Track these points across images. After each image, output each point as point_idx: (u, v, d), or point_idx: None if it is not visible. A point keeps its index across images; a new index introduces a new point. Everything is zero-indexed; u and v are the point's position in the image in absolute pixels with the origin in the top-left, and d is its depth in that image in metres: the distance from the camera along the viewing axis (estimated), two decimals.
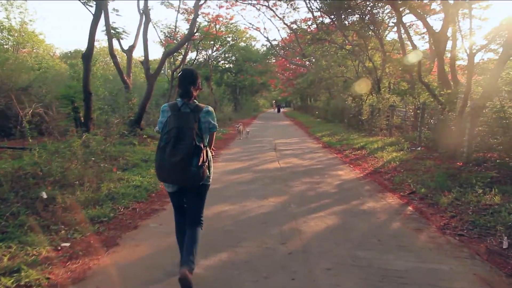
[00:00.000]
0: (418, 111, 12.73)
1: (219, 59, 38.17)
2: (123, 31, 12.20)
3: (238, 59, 36.57)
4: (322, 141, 13.81)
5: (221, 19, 30.73)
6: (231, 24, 35.21)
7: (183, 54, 17.41)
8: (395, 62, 13.25)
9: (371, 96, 17.16)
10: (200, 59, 36.00)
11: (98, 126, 9.65)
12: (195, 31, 12.28)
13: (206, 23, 31.57)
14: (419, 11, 10.49)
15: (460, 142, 8.60)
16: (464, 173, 6.88)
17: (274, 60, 38.63)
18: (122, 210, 4.70)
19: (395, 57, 13.86)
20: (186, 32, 17.78)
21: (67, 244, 3.51)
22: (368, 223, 4.47)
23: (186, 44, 16.97)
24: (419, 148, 10.21)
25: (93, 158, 6.47)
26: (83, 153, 6.31)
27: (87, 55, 8.47)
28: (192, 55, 24.89)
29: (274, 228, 4.21)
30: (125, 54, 13.98)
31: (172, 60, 20.75)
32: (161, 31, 21.07)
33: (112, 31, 11.89)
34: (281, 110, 55.59)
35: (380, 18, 15.98)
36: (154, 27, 20.36)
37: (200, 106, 2.83)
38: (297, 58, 30.45)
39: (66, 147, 6.16)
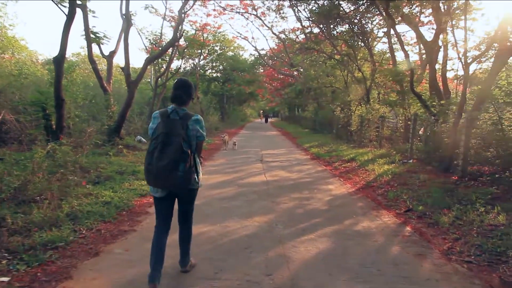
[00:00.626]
0: (409, 122, 12.44)
1: (207, 68, 37.77)
2: (104, 36, 11.58)
3: (225, 68, 36.21)
4: (310, 152, 13.38)
5: (208, 27, 30.43)
6: (219, 33, 34.98)
7: (167, 61, 16.78)
8: (386, 72, 12.96)
9: (360, 106, 16.89)
10: (187, 68, 35.61)
11: (73, 135, 8.99)
12: (178, 36, 11.78)
13: (193, 31, 31.32)
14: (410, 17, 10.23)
15: (454, 155, 8.26)
16: (461, 188, 6.50)
17: (262, 70, 38.42)
18: (84, 232, 4.09)
19: (384, 68, 13.57)
20: None
21: (6, 279, 2.89)
22: (364, 247, 3.97)
23: (172, 51, 16.47)
24: (411, 161, 9.84)
25: (61, 170, 5.83)
26: (49, 165, 5.67)
27: (59, 59, 7.84)
28: (178, 63, 24.31)
29: (258, 255, 3.66)
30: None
31: (157, 67, 20.17)
32: (146, 38, 20.53)
33: (91, 35, 11.29)
34: (269, 120, 55.28)
35: (369, 28, 15.79)
36: (139, 33, 19.82)
37: (190, 114, 2.90)
38: (285, 68, 30.22)
39: (28, 157, 5.51)
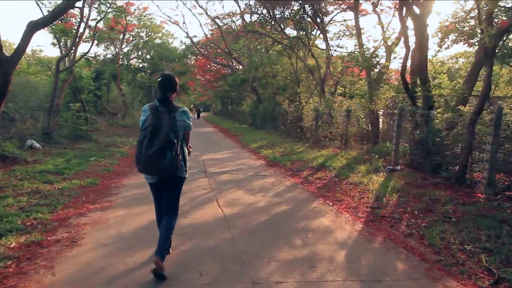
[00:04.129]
0: (381, 117, 10.42)
1: (132, 57, 33.04)
2: None
3: (153, 57, 31.89)
4: (262, 155, 10.71)
5: (133, 8, 26.05)
6: (144, 16, 30.59)
7: (73, 38, 12.56)
8: (355, 58, 10.72)
9: (312, 99, 14.68)
10: (108, 55, 30.57)
11: None
12: None
13: (113, 12, 26.58)
14: None
15: (469, 162, 6.23)
16: None
17: (194, 60, 34.79)
18: None
19: (351, 53, 11.32)
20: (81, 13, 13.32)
21: None
22: None
23: (80, 27, 12.52)
24: (398, 168, 7.69)
25: None
26: None
27: None
28: (97, 50, 19.87)
29: None
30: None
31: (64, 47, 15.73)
32: (48, 10, 15.79)
33: None
34: (201, 115, 51.56)
35: (324, 3, 13.42)
36: (37, 4, 15.08)
37: (176, 106, 3.08)
38: (221, 57, 27.15)
39: None
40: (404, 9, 7.83)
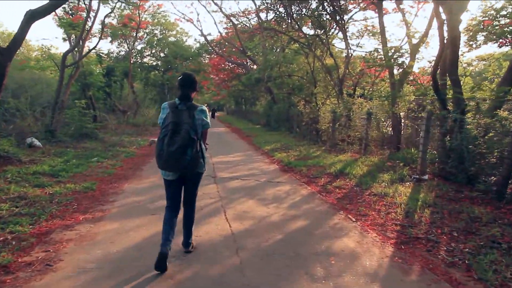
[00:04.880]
0: (406, 122, 9.68)
1: (146, 54, 32.79)
2: None
3: (167, 55, 31.55)
4: (275, 158, 10.09)
5: (146, 5, 25.74)
6: (159, 13, 30.28)
7: (80, 31, 12.03)
8: (373, 58, 9.97)
9: (329, 100, 13.98)
10: (121, 52, 30.36)
11: None
12: None
13: (127, 10, 26.30)
14: None
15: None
16: None
17: (208, 59, 34.33)
18: None
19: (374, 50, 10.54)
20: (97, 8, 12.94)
21: None
22: None
23: (88, 21, 12.09)
24: (425, 177, 6.98)
25: None
26: None
27: None
28: (110, 46, 19.58)
29: None
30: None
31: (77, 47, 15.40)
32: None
33: None
34: (215, 114, 51.06)
35: (344, 2, 12.68)
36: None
37: (195, 105, 3.17)
38: (235, 56, 26.58)
39: None
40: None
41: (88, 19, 13.43)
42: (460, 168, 6.47)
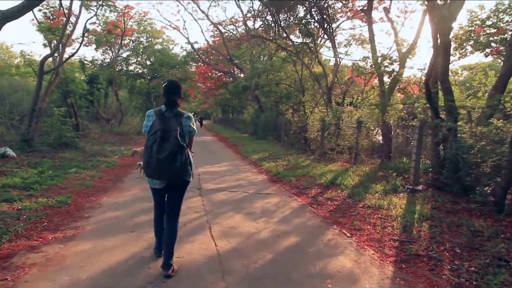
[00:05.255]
0: (397, 130, 9.50)
1: (131, 62, 32.26)
2: None
3: (153, 63, 31.07)
4: (264, 168, 9.75)
5: (132, 12, 25.33)
6: (145, 20, 29.88)
7: (59, 37, 11.45)
8: (360, 68, 9.78)
9: (317, 108, 13.77)
10: (106, 60, 29.74)
11: None
12: None
13: (113, 16, 25.82)
14: None
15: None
16: None
17: (195, 67, 33.97)
18: None
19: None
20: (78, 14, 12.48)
21: None
22: None
23: (68, 25, 11.62)
24: (419, 188, 6.75)
25: None
26: None
27: None
28: (95, 54, 19.02)
29: None
30: None
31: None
32: (39, 9, 14.93)
33: None
34: (203, 123, 50.53)
35: (332, 10, 12.60)
36: None
37: (182, 112, 3.15)
38: (222, 64, 26.32)
39: None
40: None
41: (70, 24, 12.98)
42: (455, 178, 6.25)
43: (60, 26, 11.65)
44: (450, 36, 7.42)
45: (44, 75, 10.83)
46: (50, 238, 3.83)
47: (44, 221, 4.35)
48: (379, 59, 9.45)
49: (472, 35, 10.61)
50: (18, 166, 7.29)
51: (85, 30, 13.86)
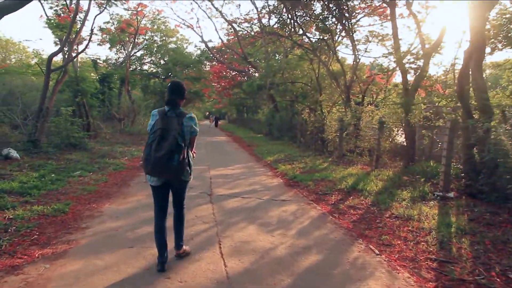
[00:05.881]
0: (423, 131, 8.83)
1: (145, 61, 32.19)
2: None
3: (167, 62, 30.90)
4: (279, 171, 9.25)
5: (145, 10, 25.14)
6: (158, 19, 29.72)
7: (67, 32, 11.05)
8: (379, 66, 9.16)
9: (335, 107, 13.17)
10: (120, 59, 29.70)
11: None
12: None
13: (127, 15, 25.74)
14: None
15: None
16: None
17: (209, 66, 33.65)
18: None
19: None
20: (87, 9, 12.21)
21: None
22: None
23: (76, 20, 11.32)
24: (451, 195, 6.13)
25: None
26: None
27: None
28: (109, 53, 18.91)
29: None
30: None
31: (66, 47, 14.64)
32: (50, 7, 14.69)
33: None
34: (218, 123, 49.92)
35: (351, 5, 11.94)
36: (39, 0, 14.04)
37: (184, 112, 3.21)
38: (236, 62, 25.90)
39: None
40: None
41: (78, 20, 12.71)
42: (492, 185, 5.61)
43: (68, 21, 11.34)
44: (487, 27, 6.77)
45: (52, 73, 10.53)
46: (36, 255, 3.39)
47: (35, 234, 3.91)
48: (402, 54, 8.80)
49: (504, 28, 9.83)
50: (19, 169, 6.94)
51: (93, 26, 13.60)
